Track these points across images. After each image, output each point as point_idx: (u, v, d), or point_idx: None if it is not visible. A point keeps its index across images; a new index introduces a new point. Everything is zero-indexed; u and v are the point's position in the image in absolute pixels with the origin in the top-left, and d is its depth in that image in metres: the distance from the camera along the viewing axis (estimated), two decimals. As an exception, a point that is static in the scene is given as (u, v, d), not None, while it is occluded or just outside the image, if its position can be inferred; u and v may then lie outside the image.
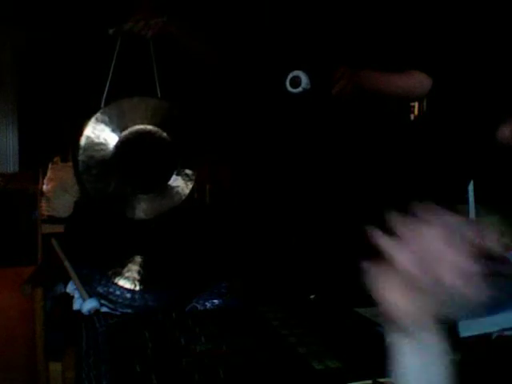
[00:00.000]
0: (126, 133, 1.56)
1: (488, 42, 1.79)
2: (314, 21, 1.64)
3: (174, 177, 1.61)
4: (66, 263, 1.64)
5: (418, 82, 1.63)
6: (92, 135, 1.54)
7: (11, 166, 5.43)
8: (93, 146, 1.55)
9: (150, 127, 1.59)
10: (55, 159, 3.73)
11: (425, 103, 2.81)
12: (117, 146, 1.56)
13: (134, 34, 1.61)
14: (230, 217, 1.83)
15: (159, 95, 1.61)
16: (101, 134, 1.54)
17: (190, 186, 1.60)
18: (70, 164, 3.62)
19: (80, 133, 1.54)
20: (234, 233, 1.78)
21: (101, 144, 1.55)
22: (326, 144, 1.66)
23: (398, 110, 1.83)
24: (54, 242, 1.71)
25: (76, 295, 1.59)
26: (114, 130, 1.55)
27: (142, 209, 1.58)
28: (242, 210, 1.78)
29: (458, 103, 1.95)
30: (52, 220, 3.36)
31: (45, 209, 3.47)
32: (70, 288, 1.62)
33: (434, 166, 1.96)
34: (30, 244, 3.74)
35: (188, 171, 1.62)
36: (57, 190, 3.45)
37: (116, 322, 1.45)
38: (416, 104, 2.92)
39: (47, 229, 3.28)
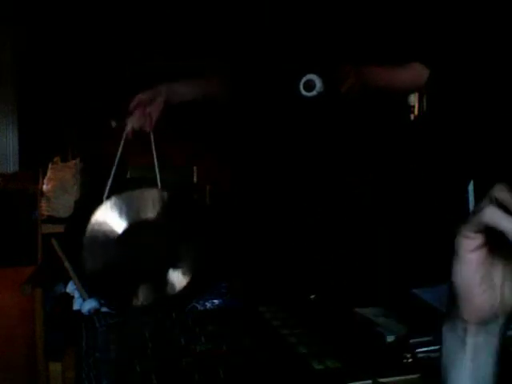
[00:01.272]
0: (127, 225, 1.58)
1: (487, 38, 1.79)
2: (325, 22, 1.64)
3: (173, 266, 1.62)
4: (66, 263, 1.64)
5: (418, 73, 1.64)
6: (93, 231, 1.56)
7: (11, 166, 5.42)
8: (96, 242, 1.57)
9: (150, 218, 1.60)
10: (55, 159, 3.73)
11: (425, 103, 2.81)
12: (119, 239, 1.58)
13: (137, 131, 1.63)
14: (230, 217, 1.83)
15: (159, 186, 1.62)
16: (103, 229, 1.56)
17: (189, 276, 1.61)
18: (70, 164, 3.64)
19: (83, 231, 1.56)
20: (233, 233, 1.78)
21: (103, 241, 1.57)
22: (327, 144, 1.66)
23: (398, 110, 1.83)
24: (54, 242, 1.71)
25: (76, 295, 1.59)
26: (116, 224, 1.58)
27: (142, 297, 1.59)
28: (242, 211, 1.78)
29: (458, 102, 1.96)
30: (52, 220, 3.36)
31: (45, 209, 3.47)
32: (70, 288, 1.62)
33: (434, 165, 1.96)
34: (30, 244, 3.74)
35: (187, 260, 1.63)
36: (57, 189, 3.45)
37: (116, 321, 1.45)
38: (416, 104, 2.92)
39: (47, 229, 3.28)
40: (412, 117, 2.77)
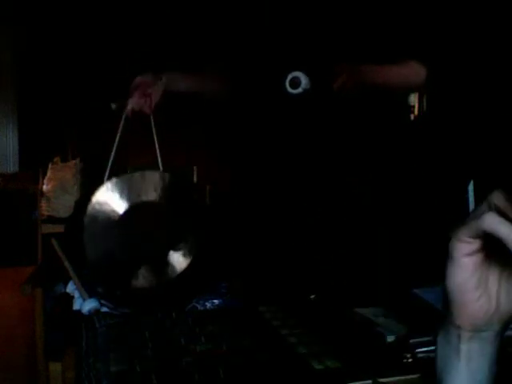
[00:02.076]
0: (128, 207, 1.57)
1: (486, 37, 1.79)
2: (311, 18, 1.64)
3: (173, 248, 1.61)
4: (66, 263, 1.64)
5: (415, 71, 1.64)
6: (94, 212, 1.55)
7: (11, 166, 5.41)
8: (96, 222, 1.56)
9: (151, 200, 1.60)
10: (55, 159, 3.73)
11: (425, 103, 2.81)
12: (119, 221, 1.57)
13: (136, 112, 1.64)
14: (230, 217, 1.83)
15: (161, 168, 1.62)
16: (104, 209, 1.56)
17: (190, 258, 1.60)
18: (70, 164, 3.64)
19: (83, 212, 1.55)
20: (233, 233, 1.78)
21: (104, 222, 1.56)
22: (326, 144, 1.66)
23: (398, 110, 1.83)
24: (53, 242, 1.71)
25: (76, 295, 1.59)
26: (117, 205, 1.57)
27: (140, 279, 1.59)
28: (242, 211, 1.78)
29: (458, 102, 1.96)
30: (52, 220, 3.36)
31: (45, 209, 3.47)
32: (70, 288, 1.62)
33: (434, 165, 1.96)
34: (30, 244, 3.73)
35: (188, 243, 1.62)
36: (57, 189, 3.45)
37: (116, 322, 1.45)
38: (416, 104, 2.92)
39: (47, 229, 3.28)
40: (412, 117, 2.77)
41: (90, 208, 1.54)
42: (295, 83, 1.54)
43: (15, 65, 5.26)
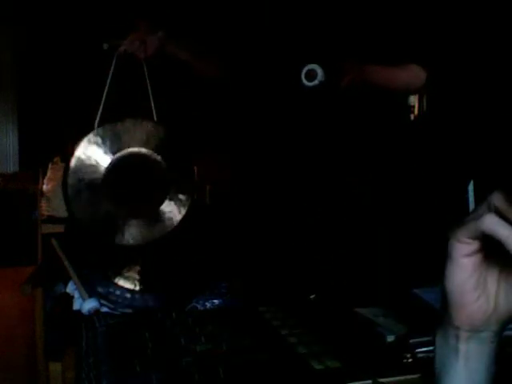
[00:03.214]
0: (118, 155, 1.54)
1: (485, 39, 1.80)
2: (324, 14, 1.65)
3: (166, 202, 1.59)
4: (66, 263, 1.64)
5: (415, 74, 1.65)
6: (83, 156, 1.52)
7: (11, 166, 5.41)
8: (83, 168, 1.52)
9: (143, 150, 1.57)
10: (55, 159, 3.73)
11: (425, 103, 2.81)
12: (108, 169, 1.53)
13: (129, 54, 1.63)
14: (230, 217, 1.83)
15: (155, 118, 1.60)
16: (92, 155, 1.52)
17: (184, 211, 1.58)
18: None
19: (71, 154, 1.52)
20: (233, 233, 1.78)
21: (92, 166, 1.52)
22: (327, 144, 1.66)
23: (398, 110, 1.84)
24: (53, 242, 1.71)
25: (76, 295, 1.59)
26: (106, 152, 1.53)
27: (131, 234, 1.56)
28: (242, 211, 1.78)
29: (458, 102, 1.96)
30: (52, 220, 3.35)
31: (45, 209, 3.47)
32: (70, 288, 1.62)
33: (434, 165, 1.96)
34: (30, 244, 3.73)
35: (181, 196, 1.60)
36: (57, 189, 3.44)
37: (116, 322, 1.45)
38: (416, 104, 2.92)
39: (47, 229, 3.27)
40: (412, 117, 2.76)
41: (76, 154, 1.51)
42: (311, 76, 1.54)
43: (15, 65, 5.26)
